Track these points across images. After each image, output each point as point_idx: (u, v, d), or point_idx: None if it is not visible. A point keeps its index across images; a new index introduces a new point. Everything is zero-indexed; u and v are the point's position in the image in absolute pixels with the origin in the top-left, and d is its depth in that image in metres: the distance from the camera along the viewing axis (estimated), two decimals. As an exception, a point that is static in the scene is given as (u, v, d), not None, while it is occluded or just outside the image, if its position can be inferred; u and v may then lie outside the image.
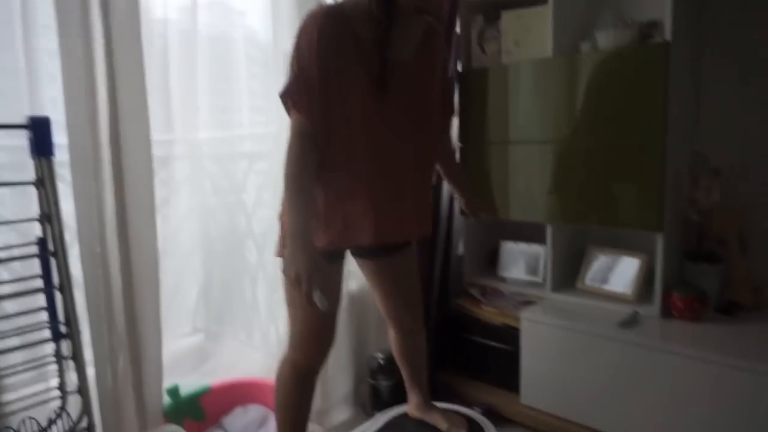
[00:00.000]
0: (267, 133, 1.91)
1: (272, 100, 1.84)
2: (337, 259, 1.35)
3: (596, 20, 1.89)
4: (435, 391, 1.83)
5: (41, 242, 1.32)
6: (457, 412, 1.71)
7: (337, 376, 1.97)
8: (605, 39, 1.74)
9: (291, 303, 1.34)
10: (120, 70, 1.31)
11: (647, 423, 1.58)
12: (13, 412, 1.31)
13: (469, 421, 1.67)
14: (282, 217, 1.33)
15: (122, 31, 1.30)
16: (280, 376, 1.36)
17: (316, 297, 1.11)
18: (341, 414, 2.00)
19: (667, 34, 1.59)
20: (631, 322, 1.69)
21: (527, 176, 1.92)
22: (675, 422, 1.53)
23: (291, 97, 1.20)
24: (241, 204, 2.00)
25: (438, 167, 1.57)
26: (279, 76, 1.78)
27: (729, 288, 1.76)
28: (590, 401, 1.70)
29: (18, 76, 1.33)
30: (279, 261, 1.35)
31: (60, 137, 1.32)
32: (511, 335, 1.91)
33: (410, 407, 1.73)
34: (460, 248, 2.27)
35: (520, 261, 2.07)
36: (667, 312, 1.71)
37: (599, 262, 1.92)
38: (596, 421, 1.70)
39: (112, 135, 1.30)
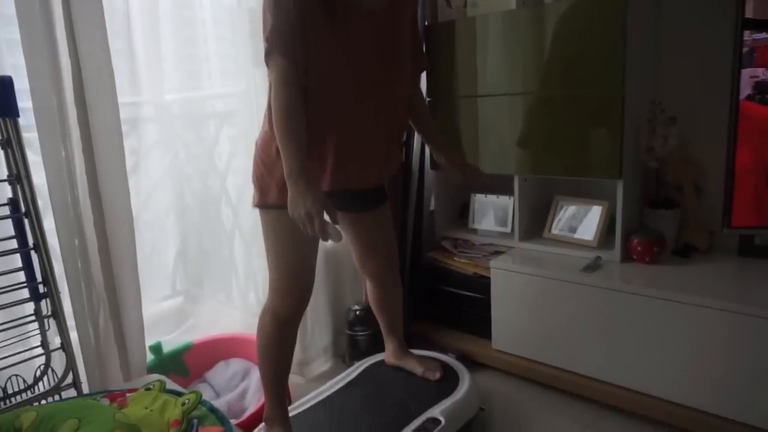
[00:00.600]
0: (235, 92, 1.91)
1: (239, 60, 1.84)
2: None
3: (560, -28, 1.90)
4: (410, 340, 1.92)
5: (13, 203, 1.33)
6: (432, 358, 1.80)
7: (316, 329, 2.04)
8: (568, -10, 1.76)
9: (271, 252, 1.38)
10: (81, 31, 1.30)
11: (610, 360, 1.68)
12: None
13: (444, 365, 1.75)
14: (259, 164, 1.35)
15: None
16: (261, 326, 1.41)
17: (330, 230, 1.13)
18: (321, 365, 2.08)
19: (627, -16, 1.62)
20: (593, 267, 1.77)
21: (496, 129, 1.96)
22: (635, 357, 1.63)
23: (271, 45, 1.20)
24: (213, 165, 2.00)
25: (412, 124, 1.60)
26: (244, 34, 1.77)
27: (685, 232, 1.85)
28: (558, 343, 1.80)
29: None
30: (258, 212, 1.40)
31: (25, 102, 1.32)
32: (482, 284, 1.98)
33: (387, 355, 1.81)
34: (432, 203, 2.32)
35: (490, 213, 2.14)
36: (627, 256, 1.80)
37: (564, 211, 2.00)
38: (564, 362, 1.80)
39: (77, 97, 1.30)
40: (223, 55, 1.94)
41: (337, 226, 1.16)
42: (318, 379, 2.00)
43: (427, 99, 2.12)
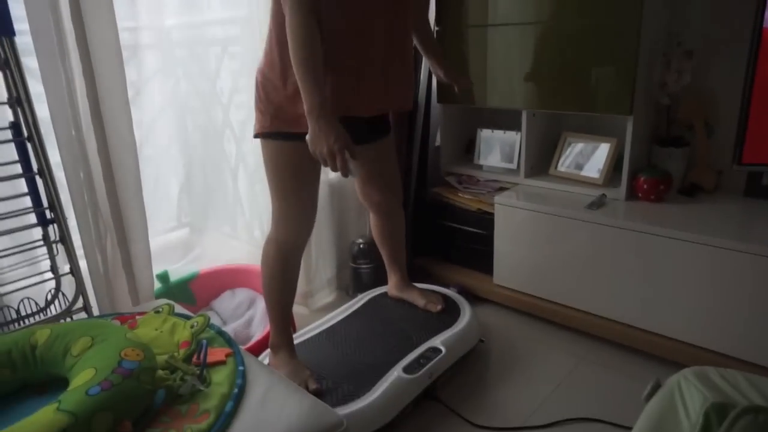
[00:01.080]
0: (237, 16, 1.84)
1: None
2: None
3: None
4: (413, 274, 1.95)
5: (14, 126, 1.31)
6: (434, 291, 1.84)
7: (319, 262, 2.06)
8: None
9: (273, 182, 1.38)
10: None
11: (608, 296, 1.71)
12: (9, 293, 1.38)
13: (445, 298, 1.79)
14: (260, 91, 1.33)
15: None
16: (266, 255, 1.43)
17: (352, 166, 1.15)
18: (325, 297, 2.12)
19: None
20: (598, 204, 1.77)
21: (505, 61, 1.90)
22: (633, 294, 1.65)
23: None
24: (215, 93, 1.96)
25: (417, 44, 1.59)
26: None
27: (693, 171, 1.83)
28: (557, 279, 1.82)
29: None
30: (260, 142, 1.38)
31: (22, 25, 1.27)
32: (485, 220, 1.99)
33: (390, 287, 1.85)
34: (438, 138, 2.29)
35: (496, 149, 2.11)
36: (633, 194, 1.79)
37: (572, 148, 1.97)
38: (562, 297, 1.83)
39: (74, 19, 1.26)
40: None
41: (355, 163, 1.16)
42: (322, 310, 2.04)
43: (435, 28, 2.04)
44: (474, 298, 2.00)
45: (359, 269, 2.06)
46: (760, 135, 1.44)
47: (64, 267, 1.44)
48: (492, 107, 2.01)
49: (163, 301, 1.23)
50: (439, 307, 1.72)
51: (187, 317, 1.12)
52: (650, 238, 1.59)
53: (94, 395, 0.77)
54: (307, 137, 1.17)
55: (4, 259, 1.36)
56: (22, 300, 1.37)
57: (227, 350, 1.01)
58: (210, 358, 0.96)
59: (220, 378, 0.94)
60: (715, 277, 1.49)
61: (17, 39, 1.25)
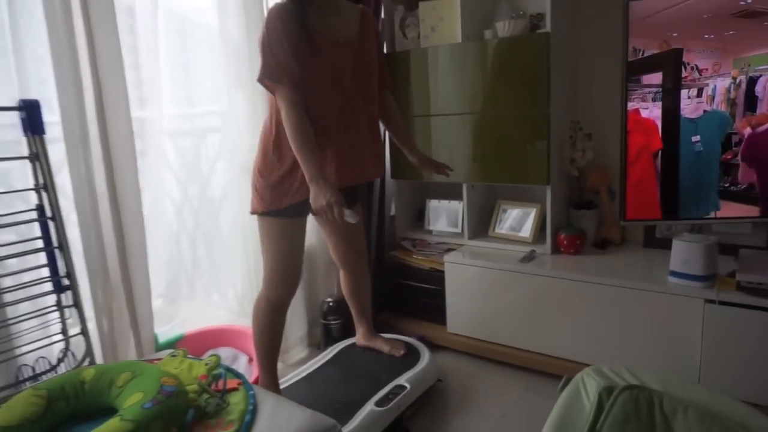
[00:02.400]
0: (219, 110, 2.16)
1: (220, 81, 2.10)
2: (301, 214, 1.67)
3: (496, 12, 2.27)
4: (376, 327, 2.20)
5: (39, 208, 1.55)
6: (397, 339, 2.10)
7: (293, 321, 2.29)
8: (503, 28, 2.12)
9: (266, 250, 1.66)
10: (101, 55, 1.54)
11: (545, 335, 2.03)
12: (24, 353, 1.55)
13: (407, 345, 2.06)
14: (257, 177, 1.62)
15: (101, 24, 1.53)
16: (257, 310, 1.68)
17: (348, 215, 1.43)
18: (299, 353, 2.34)
19: (548, 26, 2.00)
20: (529, 258, 2.12)
21: (446, 144, 2.30)
22: (566, 330, 1.98)
23: (274, 76, 1.48)
24: (197, 174, 2.20)
25: (391, 134, 1.91)
26: (228, 61, 2.04)
27: (602, 228, 2.23)
28: (501, 324, 2.14)
29: (7, 57, 1.52)
30: (255, 218, 1.67)
31: (48, 116, 1.53)
32: (437, 277, 2.30)
33: (358, 337, 2.10)
34: (393, 209, 2.64)
35: (443, 216, 2.47)
36: (556, 249, 2.16)
37: (505, 213, 2.35)
38: (507, 339, 2.13)
39: (98, 113, 1.54)
40: (210, 79, 2.19)
41: (349, 211, 1.44)
42: (296, 364, 2.25)
43: (388, 118, 2.43)
44: (431, 346, 2.27)
45: (329, 325, 2.30)
46: (635, 198, 1.85)
47: (71, 329, 1.63)
48: (437, 181, 2.39)
49: (169, 351, 1.45)
50: (402, 352, 1.98)
51: (198, 359, 1.34)
52: (573, 283, 1.94)
53: (148, 408, 0.99)
54: (310, 198, 1.46)
55: (24, 323, 1.55)
56: (37, 359, 1.55)
57: (238, 381, 1.24)
58: (227, 385, 1.19)
59: (236, 399, 1.16)
60: (625, 312, 1.84)
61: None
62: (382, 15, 2.40)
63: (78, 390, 1.13)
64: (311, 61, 1.52)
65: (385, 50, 2.42)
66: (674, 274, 1.76)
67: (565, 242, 2.12)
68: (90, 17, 1.54)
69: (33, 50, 1.54)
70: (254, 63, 1.99)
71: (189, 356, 1.36)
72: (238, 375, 1.28)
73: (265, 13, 2.07)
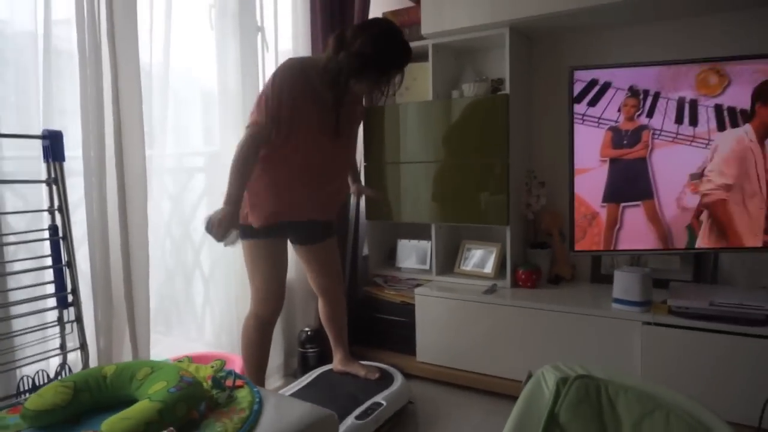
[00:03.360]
0: (211, 151, 2.36)
1: (214, 124, 2.31)
2: (278, 234, 1.87)
3: (462, 75, 2.61)
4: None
5: (53, 228, 1.68)
6: (372, 364, 2.26)
7: (270, 351, 2.41)
8: (468, 89, 2.45)
9: (252, 271, 1.83)
10: (123, 101, 1.75)
11: (507, 359, 2.24)
12: (21, 366, 1.63)
13: (381, 369, 2.21)
14: (245, 207, 1.82)
15: (126, 79, 1.75)
16: (246, 326, 1.83)
17: (229, 235, 1.68)
18: (275, 382, 2.44)
19: (507, 89, 2.33)
20: (491, 291, 2.35)
21: (415, 188, 2.55)
22: (525, 355, 2.20)
23: (260, 112, 1.71)
24: (180, 210, 2.33)
25: None
26: (222, 110, 2.27)
27: (555, 266, 2.51)
28: (467, 351, 2.33)
29: (37, 92, 1.70)
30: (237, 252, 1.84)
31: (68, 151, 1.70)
32: (407, 310, 2.50)
33: (335, 363, 2.25)
34: (365, 249, 2.84)
35: (413, 254, 2.69)
36: (515, 283, 2.41)
37: (470, 252, 2.60)
38: (472, 365, 2.32)
39: (116, 149, 1.72)
40: (205, 122, 2.39)
41: (234, 235, 1.70)
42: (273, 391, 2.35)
43: (364, 164, 2.69)
44: (403, 375, 2.42)
45: (306, 353, 2.44)
46: (581, 233, 2.13)
47: (69, 345, 1.72)
48: (407, 222, 2.63)
49: (173, 357, 1.57)
50: (377, 375, 2.14)
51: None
52: (530, 312, 2.17)
53: (173, 392, 1.12)
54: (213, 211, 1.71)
55: (27, 335, 1.64)
56: (37, 372, 1.63)
57: (242, 381, 1.38)
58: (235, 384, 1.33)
59: (243, 393, 1.30)
60: (576, 335, 2.08)
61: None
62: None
63: (101, 383, 1.24)
64: (305, 117, 1.77)
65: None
66: (616, 300, 2.02)
67: (523, 277, 2.37)
68: (117, 67, 1.75)
69: (60, 87, 1.72)
70: (246, 109, 2.23)
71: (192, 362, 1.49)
72: (241, 377, 1.42)
73: (261, 70, 2.36)
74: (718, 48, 2.15)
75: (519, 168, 2.44)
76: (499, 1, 2.29)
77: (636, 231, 2.06)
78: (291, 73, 1.74)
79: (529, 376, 1.39)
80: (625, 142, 2.06)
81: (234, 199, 1.68)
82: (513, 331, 2.21)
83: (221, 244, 1.71)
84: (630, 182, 2.06)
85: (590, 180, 2.10)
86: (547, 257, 2.50)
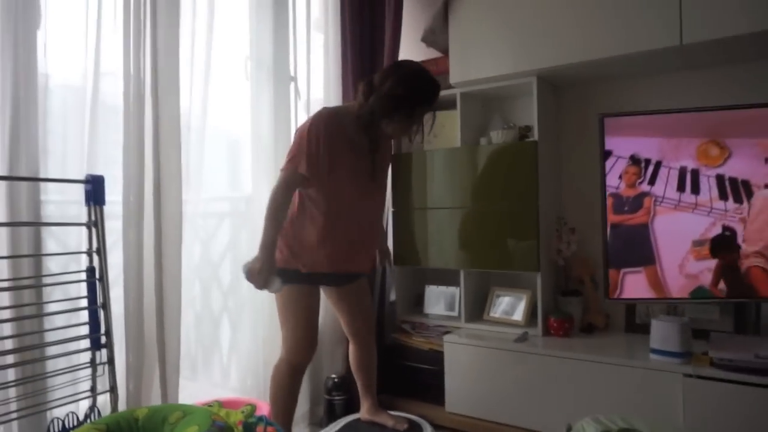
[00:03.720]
0: (243, 196, 2.41)
1: (246, 170, 2.37)
2: (314, 281, 1.87)
3: (490, 123, 2.64)
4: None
5: (91, 270, 1.71)
6: (400, 415, 2.20)
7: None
8: (496, 136, 2.47)
9: (285, 316, 1.83)
10: (163, 148, 1.82)
11: (540, 411, 2.16)
12: (52, 408, 1.62)
13: (410, 420, 2.15)
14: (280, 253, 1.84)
15: (166, 128, 1.83)
16: (278, 371, 1.81)
17: (272, 282, 1.72)
18: (301, 430, 2.39)
19: (536, 136, 2.35)
20: (522, 339, 2.30)
21: (442, 233, 2.55)
22: (559, 406, 2.11)
23: (294, 160, 1.75)
24: (208, 255, 2.34)
25: None
26: (255, 156, 2.33)
27: (587, 314, 2.44)
28: (498, 401, 2.26)
29: (80, 141, 1.77)
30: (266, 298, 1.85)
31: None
32: (436, 358, 2.44)
33: (362, 412, 2.20)
34: (392, 295, 2.82)
35: (441, 300, 2.66)
36: (547, 331, 2.35)
37: (499, 298, 2.56)
38: (504, 417, 2.24)
39: (155, 194, 1.77)
40: (239, 169, 2.46)
41: (277, 282, 1.73)
42: (298, 441, 2.30)
43: (392, 209, 2.70)
44: (431, 426, 2.35)
45: (333, 401, 2.39)
46: (615, 282, 2.08)
47: (99, 387, 1.72)
48: (435, 267, 2.61)
49: (203, 401, 1.55)
50: (405, 426, 2.08)
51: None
52: (564, 362, 2.11)
53: (205, 437, 1.11)
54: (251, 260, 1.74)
55: (58, 378, 1.65)
56: (67, 414, 1.63)
57: (273, 428, 1.35)
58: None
59: (274, 440, 1.28)
60: (612, 386, 2.00)
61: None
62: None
63: (132, 426, 1.23)
64: (341, 164, 1.80)
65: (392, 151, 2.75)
66: (655, 351, 1.95)
67: (555, 325, 2.31)
68: (159, 117, 1.82)
69: (106, 135, 1.80)
70: (278, 155, 2.29)
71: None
72: (272, 423, 1.40)
73: (293, 117, 2.43)
74: (748, 96, 2.14)
75: (548, 214, 2.43)
76: (525, 52, 2.34)
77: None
78: (326, 120, 1.79)
79: (569, 429, 1.33)
80: (626, 208, 2.05)
81: (269, 244, 1.72)
82: (546, 381, 2.14)
83: (256, 289, 1.73)
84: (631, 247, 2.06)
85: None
86: (579, 305, 2.44)
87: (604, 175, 2.09)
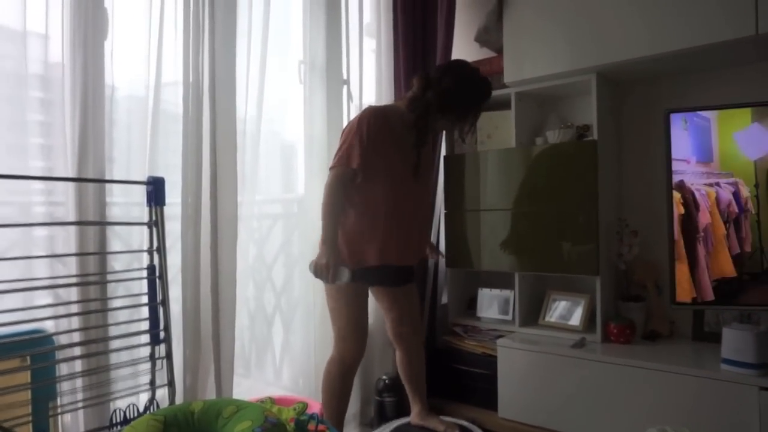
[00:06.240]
0: (297, 197, 2.44)
1: (300, 171, 2.40)
2: (365, 278, 1.88)
3: (546, 122, 2.57)
4: (429, 408, 2.26)
5: (151, 268, 1.77)
6: (451, 420, 2.16)
7: (347, 398, 2.37)
8: (553, 136, 2.40)
9: (335, 311, 1.84)
10: (220, 152, 1.88)
11: (598, 421, 2.06)
12: (114, 399, 1.69)
13: (462, 427, 2.11)
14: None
15: (223, 132, 1.89)
16: (329, 370, 1.82)
17: (340, 273, 1.74)
18: (351, 430, 2.39)
19: (595, 135, 2.26)
20: (580, 345, 2.21)
21: (496, 235, 2.49)
22: (619, 416, 2.02)
23: (342, 160, 1.76)
24: (262, 256, 2.38)
25: None
26: (308, 158, 2.36)
27: (650, 320, 2.32)
28: (554, 408, 2.18)
29: (143, 147, 1.84)
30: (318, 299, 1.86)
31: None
32: (489, 362, 2.39)
33: (413, 416, 2.17)
34: (444, 297, 2.78)
35: (494, 304, 2.60)
36: (606, 338, 2.25)
37: (555, 302, 2.47)
38: (560, 424, 2.16)
39: (212, 195, 1.82)
40: (287, 171, 2.50)
41: (346, 273, 1.75)
42: (349, 442, 2.30)
43: (444, 211, 2.67)
44: (483, 430, 2.30)
45: (383, 402, 2.37)
46: (682, 284, 1.96)
47: (156, 381, 1.78)
48: (488, 270, 2.55)
49: (256, 398, 1.57)
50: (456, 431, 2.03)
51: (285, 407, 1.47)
52: (625, 369, 2.01)
53: (257, 432, 1.12)
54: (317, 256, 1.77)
55: (120, 370, 1.71)
56: (128, 405, 1.69)
57: (324, 426, 1.36)
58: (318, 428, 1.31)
59: (325, 439, 1.28)
60: (678, 398, 1.89)
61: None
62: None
63: (189, 418, 1.26)
64: (387, 158, 1.80)
65: (443, 153, 2.72)
66: (726, 361, 1.82)
67: (615, 331, 2.21)
68: (216, 122, 1.88)
69: (166, 143, 1.87)
70: (331, 158, 2.30)
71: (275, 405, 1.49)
72: (323, 421, 1.40)
73: (345, 120, 2.45)
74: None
75: (609, 215, 2.33)
76: (583, 48, 2.26)
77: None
78: (374, 115, 1.81)
79: (633, 440, 1.26)
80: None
81: (330, 237, 1.75)
82: (606, 389, 2.05)
83: (309, 292, 1.74)
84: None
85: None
86: (642, 311, 2.32)
87: (670, 174, 1.98)
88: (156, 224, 1.78)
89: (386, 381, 2.39)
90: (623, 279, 2.40)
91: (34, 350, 1.50)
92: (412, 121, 1.83)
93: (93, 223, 1.69)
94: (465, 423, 2.16)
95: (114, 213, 1.79)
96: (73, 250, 1.64)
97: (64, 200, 1.65)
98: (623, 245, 2.33)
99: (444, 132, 2.68)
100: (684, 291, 1.94)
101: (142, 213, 1.79)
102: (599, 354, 2.11)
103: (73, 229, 1.65)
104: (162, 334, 1.76)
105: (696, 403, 1.85)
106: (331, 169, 1.84)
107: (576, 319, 2.37)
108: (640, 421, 1.96)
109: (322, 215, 1.78)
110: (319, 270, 1.75)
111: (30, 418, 1.47)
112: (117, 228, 1.81)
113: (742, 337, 1.79)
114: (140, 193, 1.79)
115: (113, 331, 1.70)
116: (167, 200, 1.78)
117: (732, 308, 1.97)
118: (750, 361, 1.77)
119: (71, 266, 1.64)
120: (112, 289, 1.77)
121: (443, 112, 1.84)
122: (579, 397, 2.11)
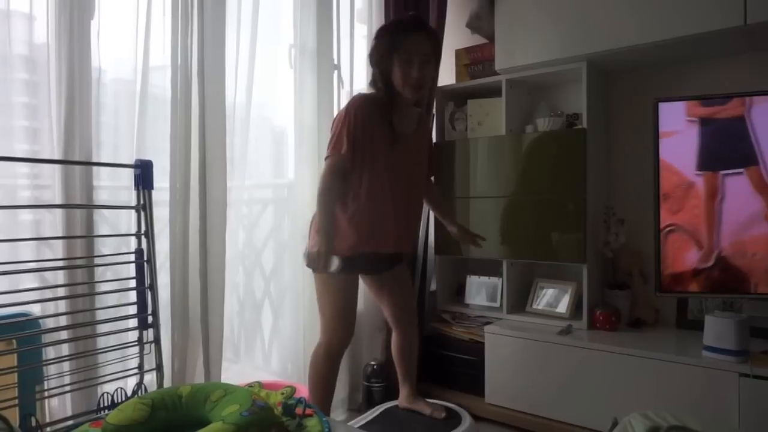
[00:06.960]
0: (287, 183, 2.43)
1: (290, 158, 2.39)
2: (355, 266, 1.87)
3: (536, 111, 2.57)
4: (417, 393, 2.29)
5: (139, 252, 1.77)
6: (438, 403, 2.18)
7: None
8: (543, 124, 2.40)
9: (323, 302, 1.83)
10: (209, 136, 1.86)
11: (583, 406, 2.10)
12: (102, 383, 1.69)
13: (448, 408, 2.13)
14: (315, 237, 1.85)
15: (212, 117, 1.88)
16: (316, 356, 1.83)
17: (332, 262, 1.74)
18: (338, 416, 2.41)
19: (584, 123, 2.27)
20: (566, 332, 2.24)
21: (485, 223, 2.50)
22: (604, 402, 2.05)
23: (336, 147, 1.76)
24: (251, 240, 2.37)
25: (434, 211, 2.19)
26: (298, 144, 2.35)
27: (636, 308, 2.35)
28: (540, 394, 2.21)
29: (130, 131, 1.82)
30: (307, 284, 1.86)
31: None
32: (476, 348, 2.41)
33: (400, 399, 2.19)
34: (433, 284, 2.80)
35: (482, 291, 2.62)
36: (592, 325, 2.28)
37: (542, 290, 2.50)
38: (546, 410, 2.20)
39: (200, 180, 1.81)
40: (276, 157, 2.49)
41: (336, 261, 1.75)
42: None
43: (434, 198, 2.67)
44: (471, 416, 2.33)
45: (372, 387, 2.39)
46: (676, 205, 1.98)
47: (146, 365, 1.78)
48: (477, 257, 2.57)
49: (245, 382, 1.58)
50: (443, 415, 2.05)
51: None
52: (610, 356, 2.04)
53: (245, 416, 1.12)
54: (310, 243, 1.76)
55: (108, 354, 1.71)
56: (116, 389, 1.69)
57: (311, 410, 1.36)
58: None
59: (313, 422, 1.28)
60: (661, 384, 1.92)
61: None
62: (434, 111, 2.72)
63: (176, 402, 1.27)
64: (377, 145, 1.80)
65: (434, 140, 2.72)
66: (708, 348, 1.86)
67: (601, 318, 2.24)
68: (205, 106, 1.86)
69: (154, 127, 1.84)
70: (321, 143, 2.30)
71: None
72: (310, 405, 1.41)
73: (336, 105, 2.44)
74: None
75: (596, 204, 2.35)
76: (575, 36, 2.26)
77: (742, 203, 1.88)
78: (362, 102, 1.80)
79: (614, 424, 1.29)
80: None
81: (325, 227, 1.74)
82: (591, 375, 2.08)
83: (299, 278, 1.74)
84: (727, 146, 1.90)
85: (677, 144, 1.97)
86: (627, 299, 2.36)
87: (657, 163, 2.00)
88: (144, 208, 1.77)
89: (374, 367, 2.41)
90: (610, 267, 2.43)
91: (20, 333, 1.49)
92: (384, 98, 1.82)
93: (80, 206, 1.67)
94: (452, 406, 2.18)
95: (101, 197, 1.77)
96: (59, 234, 1.62)
97: (51, 183, 1.63)
98: (610, 233, 2.35)
99: (434, 119, 2.69)
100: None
101: (130, 198, 1.78)
102: (585, 341, 2.14)
103: (59, 212, 1.63)
104: (150, 319, 1.76)
105: (679, 388, 1.89)
106: (325, 159, 1.82)
107: (563, 306, 2.39)
108: (624, 406, 2.00)
109: (317, 206, 1.78)
110: (311, 259, 1.75)
111: (17, 402, 1.47)
112: (105, 212, 1.80)
113: (723, 325, 1.82)
114: (128, 177, 1.78)
115: (101, 315, 1.70)
116: (156, 185, 1.77)
117: (715, 296, 2.00)
118: (731, 348, 1.81)
119: (58, 250, 1.63)
120: (100, 273, 1.76)
121: (385, 66, 1.79)
122: (565, 383, 2.14)
